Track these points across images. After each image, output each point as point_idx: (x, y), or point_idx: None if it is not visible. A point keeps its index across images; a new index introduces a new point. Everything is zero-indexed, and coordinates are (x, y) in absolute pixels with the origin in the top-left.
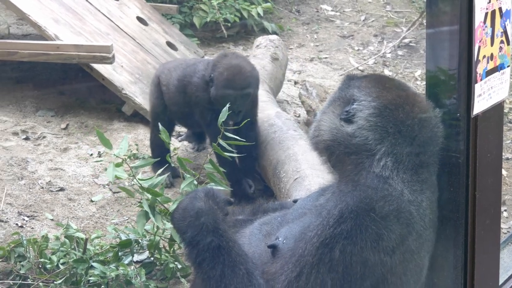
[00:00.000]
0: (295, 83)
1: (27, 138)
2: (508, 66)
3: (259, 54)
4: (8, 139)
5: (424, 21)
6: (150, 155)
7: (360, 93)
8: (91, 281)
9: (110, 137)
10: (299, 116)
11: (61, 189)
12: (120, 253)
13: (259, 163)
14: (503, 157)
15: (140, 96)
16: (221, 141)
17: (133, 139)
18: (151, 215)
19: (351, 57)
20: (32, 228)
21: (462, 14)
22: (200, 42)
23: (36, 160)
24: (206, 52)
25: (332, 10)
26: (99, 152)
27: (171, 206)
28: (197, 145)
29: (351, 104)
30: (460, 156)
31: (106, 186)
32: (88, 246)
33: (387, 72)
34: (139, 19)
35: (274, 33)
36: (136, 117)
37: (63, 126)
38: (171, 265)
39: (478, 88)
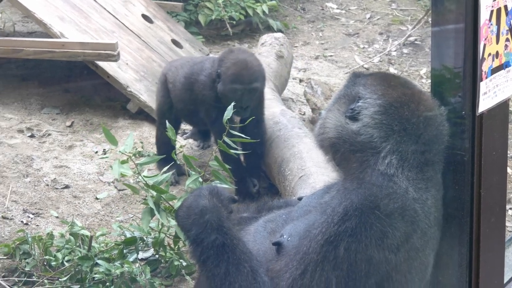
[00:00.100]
0: (300, 81)
1: (32, 136)
2: None
3: (264, 52)
4: (13, 137)
5: (430, 19)
6: (155, 152)
7: (365, 91)
8: (96, 279)
9: (115, 134)
10: (304, 114)
11: (66, 187)
12: (125, 251)
13: (264, 161)
14: (508, 155)
15: (145, 93)
16: (226, 139)
17: (138, 137)
18: (156, 212)
19: (356, 55)
20: (37, 225)
21: (468, 12)
22: (205, 40)
23: (41, 157)
24: (211, 50)
25: (337, 8)
26: (104, 149)
27: (176, 204)
28: (202, 143)
29: (357, 101)
30: (465, 154)
31: (111, 184)
32: (93, 244)
33: (392, 70)
34: (144, 16)
35: (279, 31)
36: (141, 114)
37: (68, 123)
38: (176, 263)
39: (483, 86)
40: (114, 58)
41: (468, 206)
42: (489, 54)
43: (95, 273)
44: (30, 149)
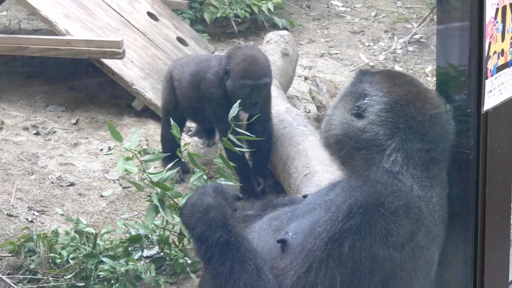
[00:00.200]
0: (306, 78)
1: (37, 133)
2: None
3: (270, 49)
4: (19, 134)
5: (435, 17)
6: (161, 150)
7: (371, 88)
8: (101, 276)
9: (120, 132)
10: (309, 112)
11: (71, 184)
12: (130, 248)
13: (270, 159)
14: None
15: (150, 91)
16: (231, 136)
17: (143, 134)
18: (160, 209)
19: (362, 53)
20: (42, 223)
21: (473, 9)
22: (211, 37)
23: (46, 155)
24: (216, 48)
25: (342, 6)
26: (109, 147)
27: (181, 201)
28: (207, 141)
29: (363, 99)
30: (470, 152)
31: (116, 181)
32: (98, 241)
33: (397, 68)
34: (150, 14)
35: (285, 28)
36: (146, 112)
37: (73, 121)
38: (181, 261)
39: (488, 84)
40: (119, 55)
41: (473, 204)
42: (495, 52)
43: (100, 271)
44: (35, 147)
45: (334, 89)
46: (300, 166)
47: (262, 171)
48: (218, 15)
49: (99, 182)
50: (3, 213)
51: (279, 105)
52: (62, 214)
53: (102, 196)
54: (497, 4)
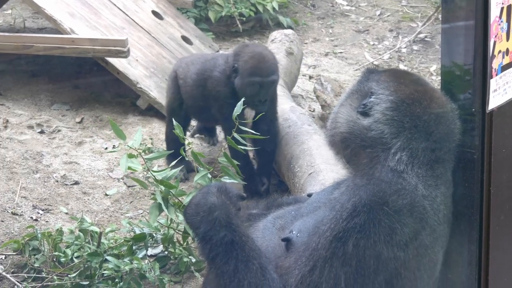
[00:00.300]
0: (310, 77)
1: (42, 132)
2: None
3: (274, 48)
4: (23, 133)
5: (440, 16)
6: (165, 149)
7: (378, 87)
8: (105, 275)
9: (125, 131)
10: (313, 111)
11: (76, 183)
12: (134, 247)
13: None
14: None
15: (155, 90)
16: (235, 135)
17: (148, 133)
18: (164, 207)
19: (366, 52)
20: (47, 221)
21: (478, 9)
22: (215, 36)
23: (51, 153)
24: (221, 47)
25: (347, 5)
26: (113, 145)
27: (185, 199)
28: (210, 139)
29: (369, 97)
30: (475, 151)
31: (121, 180)
32: (102, 240)
33: (402, 67)
34: (154, 13)
35: (289, 27)
36: (150, 111)
37: (78, 120)
38: (185, 259)
39: (493, 83)
40: (124, 54)
41: (478, 203)
42: (499, 51)
43: (104, 270)
44: (40, 145)
45: (338, 88)
46: (305, 165)
47: (266, 170)
48: (223, 14)
49: (103, 180)
50: (7, 212)
51: (283, 104)
52: (66, 213)
53: (106, 194)
54: (502, 3)
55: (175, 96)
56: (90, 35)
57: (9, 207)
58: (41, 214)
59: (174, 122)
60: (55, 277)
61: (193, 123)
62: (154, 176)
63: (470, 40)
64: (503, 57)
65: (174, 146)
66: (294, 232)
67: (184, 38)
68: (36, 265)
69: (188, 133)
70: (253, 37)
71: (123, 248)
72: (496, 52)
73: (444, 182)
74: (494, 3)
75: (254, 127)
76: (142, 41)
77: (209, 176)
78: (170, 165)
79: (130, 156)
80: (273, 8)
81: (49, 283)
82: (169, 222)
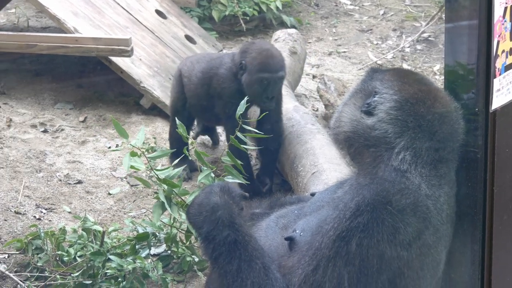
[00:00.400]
0: (314, 77)
1: (45, 131)
2: None
3: (278, 47)
4: (27, 132)
5: (443, 15)
6: (168, 148)
7: (382, 86)
8: (108, 274)
9: (128, 130)
10: (317, 110)
11: (79, 182)
12: (137, 246)
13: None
14: None
15: (158, 89)
16: (239, 134)
17: (151, 132)
18: (167, 206)
19: (370, 51)
20: (50, 220)
21: (481, 8)
22: (219, 35)
23: (54, 152)
24: (224, 46)
25: (351, 4)
26: (117, 145)
27: (188, 198)
28: (213, 139)
29: (373, 96)
30: (478, 151)
31: (124, 179)
32: (105, 239)
33: (405, 66)
34: (158, 12)
35: (293, 26)
36: (154, 110)
37: (81, 119)
38: (188, 259)
39: (496, 82)
40: (127, 53)
41: (481, 203)
42: (503, 51)
43: (107, 269)
44: (43, 144)
45: (342, 87)
46: (308, 165)
47: (269, 170)
48: (227, 13)
49: (106, 180)
50: (10, 211)
51: (287, 103)
52: (69, 212)
53: (109, 194)
54: (506, 3)
55: (179, 96)
56: (93, 34)
57: (12, 206)
58: (44, 213)
59: (178, 121)
60: (58, 276)
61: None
62: (157, 175)
63: (474, 40)
64: (506, 57)
65: (178, 145)
66: (297, 231)
67: (188, 37)
68: (39, 264)
69: (192, 133)
70: (256, 36)
71: (126, 247)
72: (499, 52)
73: (448, 182)
74: (497, 3)
75: (258, 126)
76: (146, 40)
77: (212, 175)
78: (173, 164)
79: (133, 154)
80: (277, 8)
81: (52, 282)
82: (172, 221)
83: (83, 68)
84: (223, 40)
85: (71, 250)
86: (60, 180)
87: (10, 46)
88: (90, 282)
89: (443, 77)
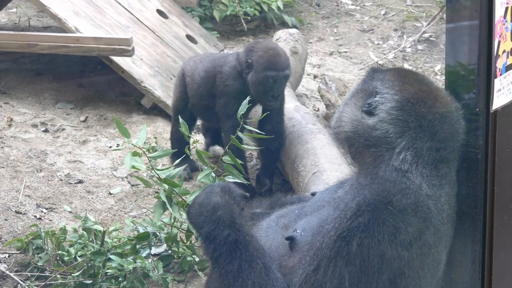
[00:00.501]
0: (315, 77)
1: (46, 130)
2: None
3: None
4: (28, 131)
5: (444, 15)
6: (169, 148)
7: (383, 86)
8: (109, 274)
9: (129, 129)
10: (318, 110)
11: (80, 182)
12: (138, 246)
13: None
14: None
15: (159, 89)
16: (240, 134)
17: (152, 132)
18: (168, 205)
19: (371, 51)
20: (50, 220)
21: (482, 8)
22: (220, 35)
23: (55, 152)
24: (225, 46)
25: (352, 4)
26: (118, 144)
27: (189, 198)
28: (219, 147)
29: (374, 96)
30: (479, 151)
31: (125, 179)
32: (106, 239)
33: (406, 66)
34: (159, 12)
35: (294, 26)
36: (155, 110)
37: (82, 118)
38: (189, 258)
39: (497, 83)
40: (128, 53)
41: (482, 203)
42: (504, 51)
43: (108, 268)
44: (44, 144)
45: (343, 87)
46: (309, 165)
47: (270, 170)
48: (228, 13)
49: (107, 179)
50: (11, 210)
51: (288, 103)
52: (70, 212)
53: (110, 193)
54: (507, 3)
55: (182, 95)
56: (94, 33)
57: (13, 206)
58: (44, 213)
59: (180, 120)
60: (58, 276)
61: (199, 123)
62: (158, 175)
63: (475, 40)
64: (507, 57)
65: (179, 145)
66: (298, 231)
67: (189, 37)
68: (39, 264)
69: (193, 133)
70: (257, 36)
71: (126, 247)
72: (500, 52)
73: (449, 182)
74: (498, 3)
75: (260, 126)
76: (147, 40)
77: (213, 175)
78: (174, 164)
79: (134, 154)
80: (278, 7)
81: (52, 282)
82: (172, 221)
83: (84, 68)
84: (224, 40)
85: (72, 250)
86: (61, 180)
87: (11, 46)
88: (91, 281)
89: (444, 77)
